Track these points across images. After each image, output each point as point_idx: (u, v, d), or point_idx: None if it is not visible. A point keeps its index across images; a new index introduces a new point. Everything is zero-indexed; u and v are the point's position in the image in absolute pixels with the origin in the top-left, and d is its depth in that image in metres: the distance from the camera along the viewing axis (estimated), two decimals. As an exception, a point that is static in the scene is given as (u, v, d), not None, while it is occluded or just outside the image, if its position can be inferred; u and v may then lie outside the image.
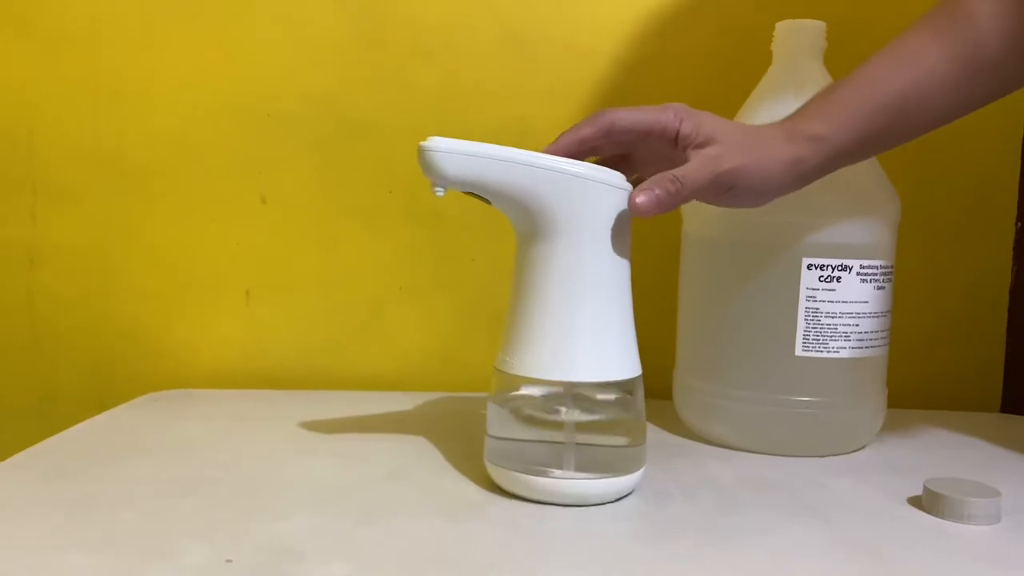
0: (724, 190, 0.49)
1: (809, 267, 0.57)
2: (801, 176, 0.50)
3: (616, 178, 0.48)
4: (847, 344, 0.57)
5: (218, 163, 0.77)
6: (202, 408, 0.70)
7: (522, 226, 0.49)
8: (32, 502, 0.46)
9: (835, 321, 0.57)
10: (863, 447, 0.61)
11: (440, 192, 0.47)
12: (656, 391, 0.61)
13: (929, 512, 0.48)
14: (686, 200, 0.48)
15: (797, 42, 0.61)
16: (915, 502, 0.50)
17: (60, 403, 0.78)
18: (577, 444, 0.48)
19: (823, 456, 0.59)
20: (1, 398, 0.78)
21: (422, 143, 0.46)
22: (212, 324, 0.78)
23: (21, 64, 0.76)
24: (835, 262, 0.57)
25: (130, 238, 0.77)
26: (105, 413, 0.66)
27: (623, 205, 0.48)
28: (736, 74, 0.67)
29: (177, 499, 0.47)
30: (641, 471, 0.50)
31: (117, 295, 0.78)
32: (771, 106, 0.60)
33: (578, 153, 0.49)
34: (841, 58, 0.62)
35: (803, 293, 0.57)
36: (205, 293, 0.78)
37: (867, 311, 0.57)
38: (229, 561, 0.39)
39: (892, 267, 0.60)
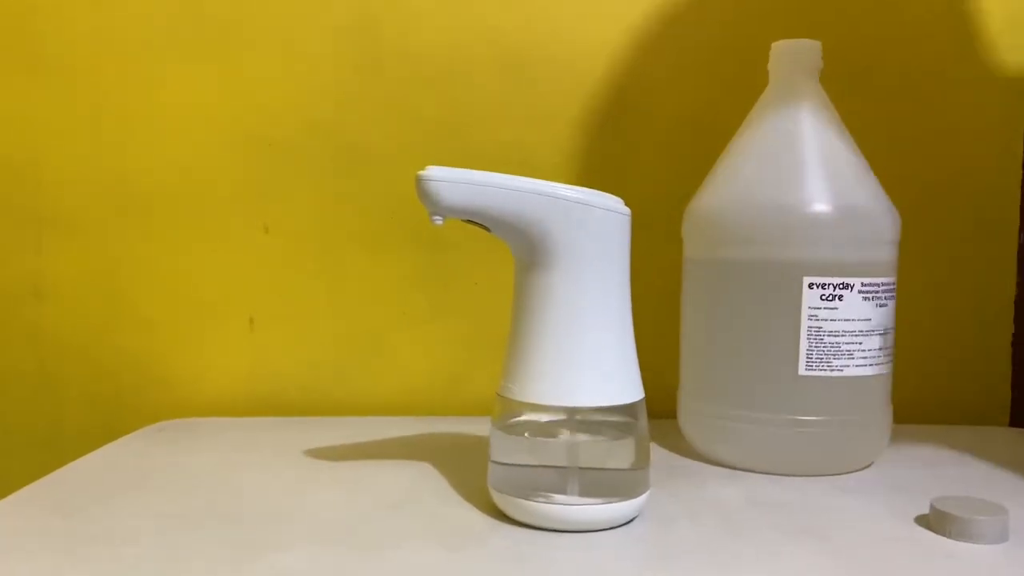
0: None
1: (810, 286, 0.57)
2: None
3: (613, 202, 0.48)
4: (850, 362, 0.57)
5: (221, 193, 0.78)
6: (207, 438, 0.70)
7: (521, 253, 0.49)
8: (38, 537, 0.47)
9: (838, 339, 0.57)
10: (869, 465, 0.61)
11: (439, 221, 0.47)
12: (661, 411, 0.60)
13: (936, 532, 0.47)
14: None
15: (793, 62, 0.61)
16: (922, 521, 0.49)
17: (66, 433, 0.79)
18: (580, 468, 0.48)
19: (828, 475, 0.59)
20: (7, 429, 0.79)
21: (420, 172, 0.46)
22: (217, 352, 0.79)
23: (26, 97, 0.77)
24: (836, 280, 0.57)
25: (134, 268, 0.78)
26: (110, 444, 0.66)
27: (621, 229, 0.48)
28: (734, 94, 0.67)
29: (182, 532, 0.47)
30: (646, 495, 0.50)
31: (122, 325, 0.78)
32: (769, 126, 0.60)
33: None
34: (837, 77, 0.63)
35: (805, 312, 0.57)
36: (209, 322, 0.79)
37: (870, 329, 0.57)
38: (233, 595, 0.39)
39: (894, 284, 0.60)
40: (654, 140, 0.77)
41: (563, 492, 0.47)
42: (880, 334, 0.58)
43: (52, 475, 0.58)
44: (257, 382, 0.79)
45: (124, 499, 0.53)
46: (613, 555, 0.45)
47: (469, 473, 0.57)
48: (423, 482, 0.56)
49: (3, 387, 0.79)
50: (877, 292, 0.58)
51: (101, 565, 0.43)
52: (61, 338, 0.78)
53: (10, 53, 0.77)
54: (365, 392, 0.79)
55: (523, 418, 0.49)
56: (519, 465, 0.49)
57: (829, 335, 0.57)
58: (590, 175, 0.77)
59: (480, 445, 0.53)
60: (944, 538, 0.47)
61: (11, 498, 0.53)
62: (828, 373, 0.57)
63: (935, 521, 0.48)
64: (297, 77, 0.77)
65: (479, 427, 0.68)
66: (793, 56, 0.61)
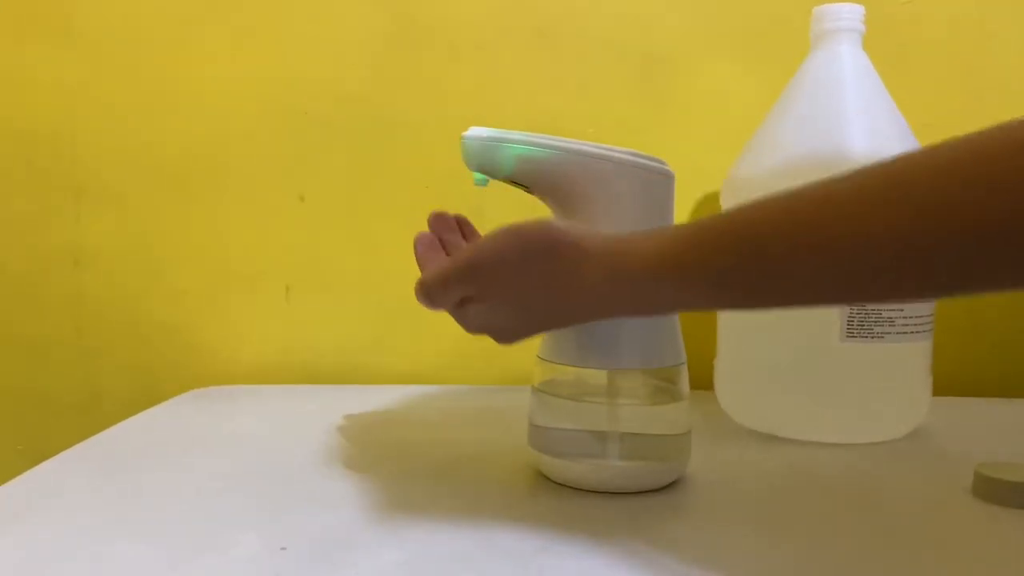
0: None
1: (851, 252, 0.56)
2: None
3: (655, 162, 0.48)
4: (891, 330, 0.57)
5: (257, 162, 0.78)
6: (245, 404, 0.70)
7: (562, 215, 0.49)
8: (83, 495, 0.47)
9: (879, 306, 0.56)
10: (909, 434, 0.61)
11: (482, 182, 0.47)
12: (698, 381, 0.60)
13: (979, 497, 0.47)
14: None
15: (834, 27, 0.60)
16: (965, 488, 0.49)
17: (106, 400, 0.80)
18: (622, 433, 0.48)
19: (868, 443, 0.58)
20: (49, 396, 0.80)
21: (463, 133, 0.46)
22: (253, 321, 0.79)
23: (65, 71, 0.77)
24: (878, 247, 0.56)
25: (172, 238, 0.79)
26: (151, 409, 0.67)
27: (665, 190, 0.48)
28: (773, 62, 0.67)
29: (226, 491, 0.48)
30: (686, 459, 0.50)
31: (160, 294, 0.79)
32: (810, 93, 0.60)
33: None
34: (881, 42, 0.62)
35: (846, 279, 0.56)
36: (246, 291, 0.79)
37: (911, 296, 0.57)
38: (283, 548, 0.39)
39: (936, 252, 0.59)
40: (689, 109, 0.77)
41: (604, 455, 0.48)
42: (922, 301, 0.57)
43: (95, 437, 0.59)
44: (293, 351, 0.79)
45: (167, 460, 0.54)
46: (652, 517, 0.45)
47: (508, 437, 0.57)
48: (462, 445, 0.57)
49: (42, 354, 0.80)
50: (919, 259, 0.57)
51: (148, 521, 0.44)
52: (99, 306, 0.79)
53: (47, 24, 0.77)
54: (400, 361, 0.79)
55: (564, 381, 0.49)
56: (560, 428, 0.49)
57: (870, 302, 0.56)
58: (623, 144, 0.76)
59: (517, 411, 0.53)
60: (987, 503, 0.46)
61: (57, 458, 0.54)
62: (869, 340, 0.56)
63: (979, 486, 0.47)
64: (331, 49, 0.77)
65: (514, 396, 0.68)
66: (835, 21, 0.60)
